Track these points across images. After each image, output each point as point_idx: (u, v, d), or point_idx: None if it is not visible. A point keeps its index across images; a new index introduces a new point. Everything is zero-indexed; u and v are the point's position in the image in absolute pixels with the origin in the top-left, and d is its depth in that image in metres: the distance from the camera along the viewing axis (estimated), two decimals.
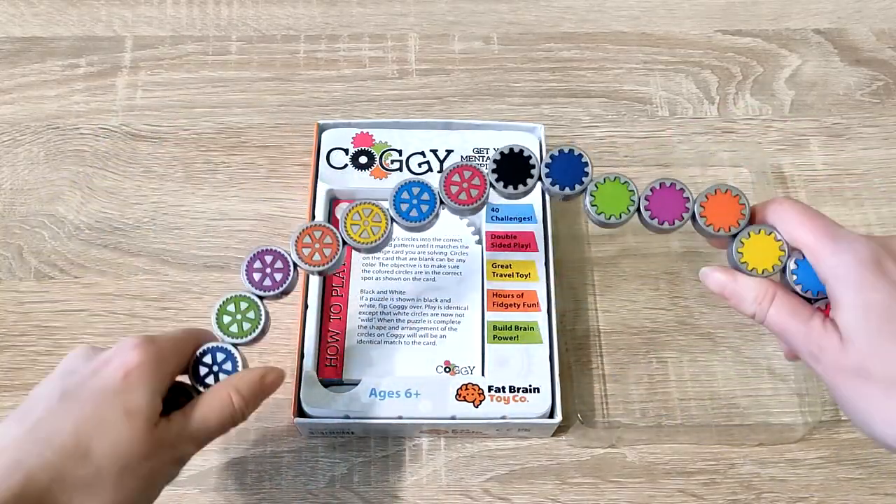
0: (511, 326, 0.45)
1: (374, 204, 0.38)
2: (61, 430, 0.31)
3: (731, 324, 0.49)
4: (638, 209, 0.36)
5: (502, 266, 0.46)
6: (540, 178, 0.37)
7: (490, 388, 0.43)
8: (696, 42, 0.60)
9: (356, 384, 0.43)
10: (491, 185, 0.37)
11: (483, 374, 0.44)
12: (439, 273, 0.47)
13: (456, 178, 0.37)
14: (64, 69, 0.57)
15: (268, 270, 0.37)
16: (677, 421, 0.46)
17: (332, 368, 0.44)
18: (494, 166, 0.37)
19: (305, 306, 0.45)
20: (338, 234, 0.37)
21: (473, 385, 0.43)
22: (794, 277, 0.34)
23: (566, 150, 0.37)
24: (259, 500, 0.44)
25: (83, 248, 0.51)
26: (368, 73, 0.58)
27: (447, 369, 0.44)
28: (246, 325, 0.37)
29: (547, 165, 0.37)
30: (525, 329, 0.45)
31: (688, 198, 0.36)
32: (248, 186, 0.53)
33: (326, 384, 0.43)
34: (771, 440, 0.45)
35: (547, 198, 0.48)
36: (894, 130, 0.56)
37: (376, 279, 0.47)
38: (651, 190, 0.36)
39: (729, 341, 0.48)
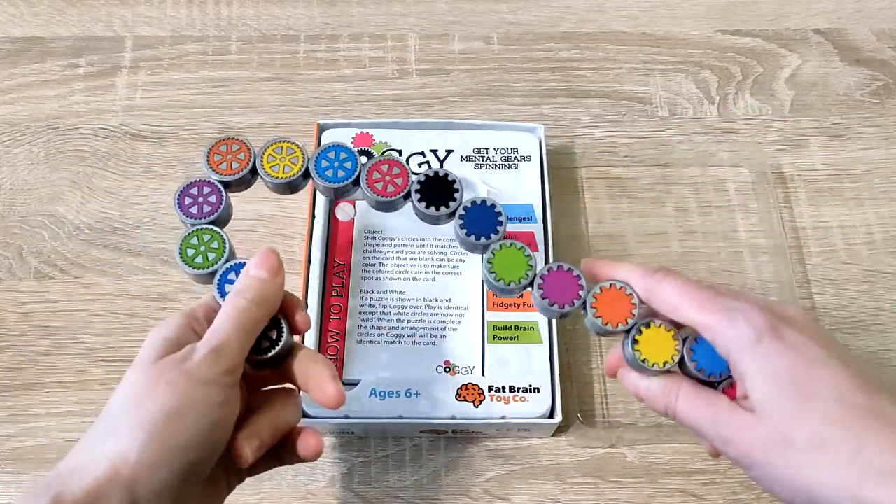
0: (511, 326, 0.45)
1: (298, 147, 0.38)
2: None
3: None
4: (531, 283, 0.36)
5: None
6: (454, 213, 0.37)
7: (490, 388, 0.43)
8: (696, 42, 0.60)
9: (356, 384, 0.43)
10: (409, 192, 0.37)
11: (483, 374, 0.44)
12: (439, 273, 0.47)
13: (384, 167, 0.38)
14: (64, 69, 0.57)
15: (200, 199, 0.37)
16: None
17: None
18: (423, 178, 0.38)
19: (305, 306, 0.45)
20: (252, 154, 0.38)
21: (473, 385, 0.43)
22: (695, 364, 0.34)
23: (488, 203, 0.37)
24: (259, 500, 0.44)
25: (83, 248, 0.51)
26: (368, 73, 0.58)
27: (447, 369, 0.44)
28: (211, 255, 0.37)
29: (464, 208, 0.37)
30: (525, 329, 0.45)
31: (582, 286, 0.36)
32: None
33: None
34: None
35: (547, 197, 0.48)
36: (894, 130, 0.56)
37: (376, 279, 0.47)
38: (548, 270, 0.36)
39: None
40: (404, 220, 0.48)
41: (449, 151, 0.49)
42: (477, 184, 0.48)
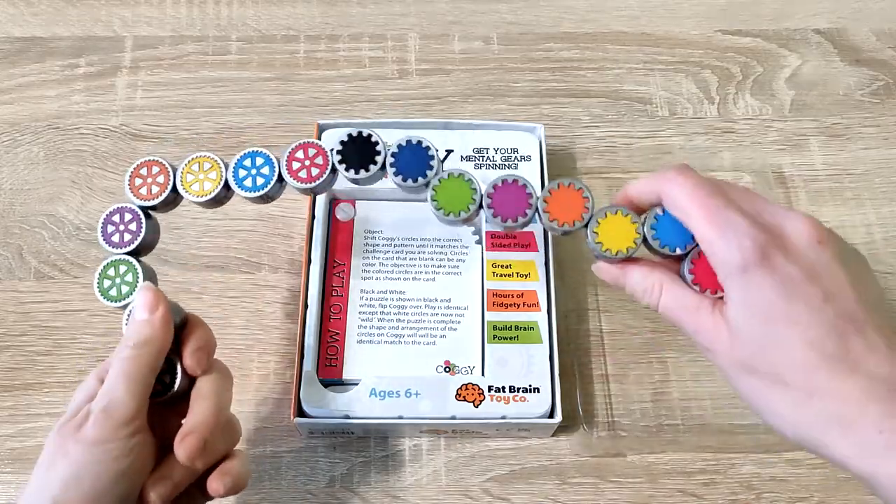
0: (511, 326, 0.45)
1: (215, 161, 0.38)
2: None
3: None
4: (480, 206, 0.36)
5: (502, 266, 0.46)
6: (384, 166, 0.37)
7: (490, 388, 0.43)
8: (696, 42, 0.60)
9: (356, 384, 0.43)
10: (333, 166, 0.37)
11: (483, 374, 0.44)
12: (439, 273, 0.47)
13: (300, 154, 0.37)
14: (64, 69, 0.57)
15: (121, 227, 0.37)
16: (678, 421, 0.46)
17: (332, 368, 0.44)
18: (340, 147, 0.37)
19: (305, 306, 0.45)
20: (171, 176, 0.37)
21: (473, 385, 0.43)
22: (658, 242, 0.34)
23: (414, 141, 0.37)
24: (259, 500, 0.44)
25: (83, 248, 0.51)
26: (368, 73, 0.58)
27: (447, 369, 0.44)
28: (124, 289, 0.36)
29: (393, 155, 0.37)
30: (525, 329, 0.45)
31: (531, 194, 0.36)
32: None
33: (326, 384, 0.43)
34: (777, 447, 0.45)
35: None
36: (894, 130, 0.56)
37: (376, 279, 0.47)
38: (493, 187, 0.36)
39: None
40: (404, 220, 0.48)
41: (449, 151, 0.49)
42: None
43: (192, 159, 0.37)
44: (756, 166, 0.53)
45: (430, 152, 0.36)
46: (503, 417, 0.43)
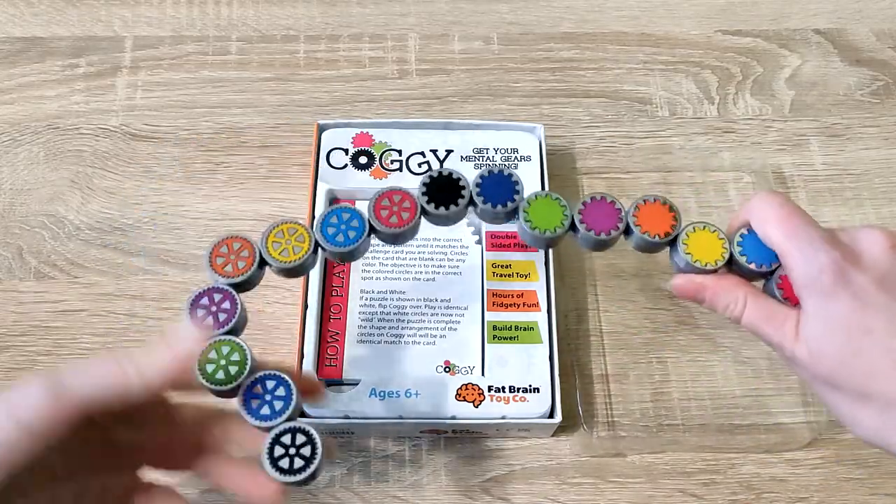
0: (511, 326, 0.45)
1: (300, 224, 0.37)
2: None
3: (732, 324, 0.48)
4: (572, 223, 0.37)
5: (502, 266, 0.46)
6: (472, 200, 0.37)
7: (490, 388, 0.43)
8: (696, 42, 0.60)
9: (356, 384, 0.43)
10: (422, 207, 0.37)
11: (483, 374, 0.44)
12: (439, 273, 0.47)
13: (385, 202, 0.37)
14: (64, 69, 0.57)
15: (213, 309, 0.35)
16: (678, 421, 0.46)
17: (332, 368, 0.44)
18: (424, 189, 0.37)
19: (305, 306, 0.45)
20: (256, 248, 0.36)
21: (473, 385, 0.43)
22: (745, 258, 0.35)
23: (496, 171, 0.37)
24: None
25: (83, 248, 0.51)
26: (368, 73, 0.58)
27: (447, 369, 0.44)
28: (233, 369, 0.33)
29: (477, 185, 0.37)
30: (525, 329, 0.45)
31: (620, 209, 0.37)
32: (248, 186, 0.53)
33: (326, 384, 0.43)
34: (777, 448, 0.45)
35: None
36: (894, 130, 0.56)
37: (376, 279, 0.47)
38: (583, 204, 0.37)
39: (729, 341, 0.48)
40: None
41: (449, 151, 0.49)
42: None
43: (275, 227, 0.37)
44: (756, 166, 0.53)
45: (513, 178, 0.37)
46: (503, 417, 0.43)
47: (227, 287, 0.35)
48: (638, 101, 0.57)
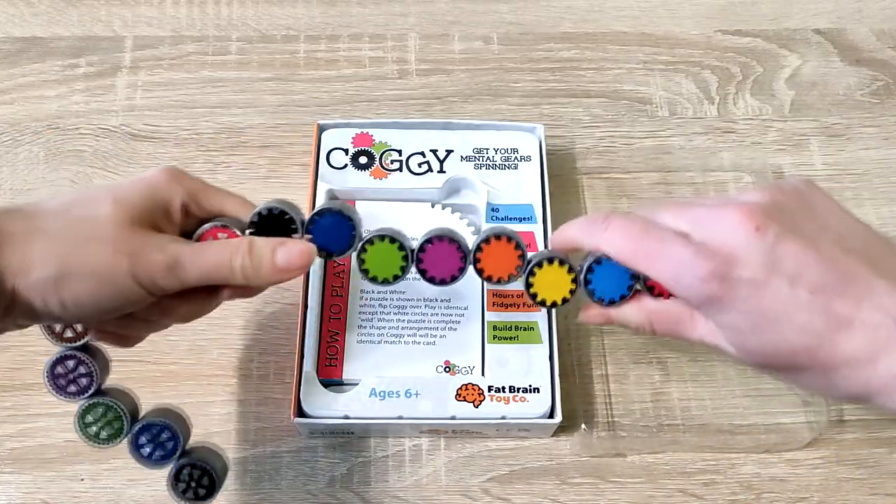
0: (511, 326, 0.45)
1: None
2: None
3: None
4: (411, 265, 0.36)
5: None
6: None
7: (490, 388, 0.43)
8: (696, 42, 0.60)
9: (356, 384, 0.43)
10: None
11: (483, 374, 0.44)
12: None
13: (209, 239, 0.35)
14: (64, 69, 0.57)
15: (70, 376, 0.35)
16: (678, 421, 0.46)
17: (332, 368, 0.44)
18: (252, 226, 0.35)
19: (305, 306, 0.45)
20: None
21: (473, 385, 0.43)
22: (592, 292, 0.35)
23: (334, 210, 0.35)
24: (259, 500, 0.44)
25: None
26: (368, 73, 0.58)
27: (447, 369, 0.44)
28: (116, 425, 0.35)
29: (309, 224, 0.35)
30: (525, 329, 0.45)
31: (463, 251, 0.36)
32: (248, 186, 0.53)
33: (326, 384, 0.43)
34: (777, 448, 0.45)
35: (547, 198, 0.48)
36: (894, 130, 0.56)
37: None
38: (423, 248, 0.36)
39: None
40: (404, 220, 0.48)
41: (449, 151, 0.49)
42: (477, 184, 0.48)
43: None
44: (756, 166, 0.53)
45: (350, 221, 0.35)
46: (503, 417, 0.43)
47: (76, 353, 0.35)
48: (638, 101, 0.57)
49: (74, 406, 0.35)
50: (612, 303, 0.35)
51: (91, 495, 0.44)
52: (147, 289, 0.31)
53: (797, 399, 0.46)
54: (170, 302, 0.33)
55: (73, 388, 0.35)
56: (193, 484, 0.36)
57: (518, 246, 0.35)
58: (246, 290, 0.35)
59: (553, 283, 0.35)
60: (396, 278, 0.36)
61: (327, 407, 0.42)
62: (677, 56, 0.59)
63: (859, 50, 0.59)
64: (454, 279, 0.36)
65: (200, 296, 0.34)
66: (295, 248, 0.33)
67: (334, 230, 0.35)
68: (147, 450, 0.36)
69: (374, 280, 0.36)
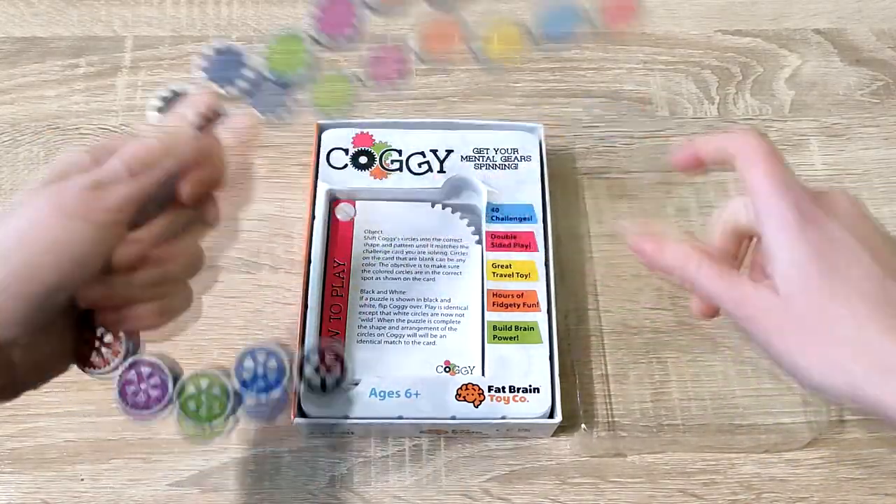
0: (511, 326, 0.45)
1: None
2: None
3: (732, 324, 0.48)
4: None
5: (502, 266, 0.46)
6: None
7: (490, 388, 0.43)
8: (696, 42, 0.60)
9: (356, 384, 0.43)
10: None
11: (483, 374, 0.44)
12: (439, 273, 0.47)
13: None
14: (64, 69, 0.57)
15: (142, 385, 0.33)
16: (678, 421, 0.46)
17: None
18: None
19: (305, 306, 0.45)
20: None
21: (473, 385, 0.43)
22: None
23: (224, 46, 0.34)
24: (259, 500, 0.44)
25: None
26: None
27: (447, 369, 0.44)
28: (215, 406, 0.33)
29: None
30: (525, 329, 0.45)
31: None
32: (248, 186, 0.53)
33: None
34: (777, 448, 0.45)
35: (547, 198, 0.48)
36: (894, 130, 0.56)
37: (376, 279, 0.47)
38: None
39: (729, 341, 0.48)
40: (404, 220, 0.48)
41: (449, 151, 0.49)
42: (477, 184, 0.48)
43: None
44: None
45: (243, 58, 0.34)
46: (503, 417, 0.43)
47: (155, 360, 0.33)
48: (638, 101, 0.57)
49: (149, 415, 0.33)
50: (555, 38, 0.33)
51: (91, 495, 0.44)
52: (101, 208, 0.29)
53: (797, 399, 0.46)
54: (138, 231, 0.31)
55: (155, 394, 0.33)
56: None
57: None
58: (199, 173, 0.33)
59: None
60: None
61: (327, 407, 0.42)
62: (677, 56, 0.59)
63: (859, 50, 0.59)
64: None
65: (167, 208, 0.32)
66: (200, 100, 0.33)
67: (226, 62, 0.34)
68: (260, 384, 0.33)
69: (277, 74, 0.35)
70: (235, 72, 0.34)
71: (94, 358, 0.33)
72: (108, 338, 0.33)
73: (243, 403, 0.33)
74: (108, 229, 0.30)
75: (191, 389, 0.33)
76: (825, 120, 0.56)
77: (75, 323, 0.32)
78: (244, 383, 0.33)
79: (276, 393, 0.33)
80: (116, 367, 0.33)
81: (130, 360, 0.33)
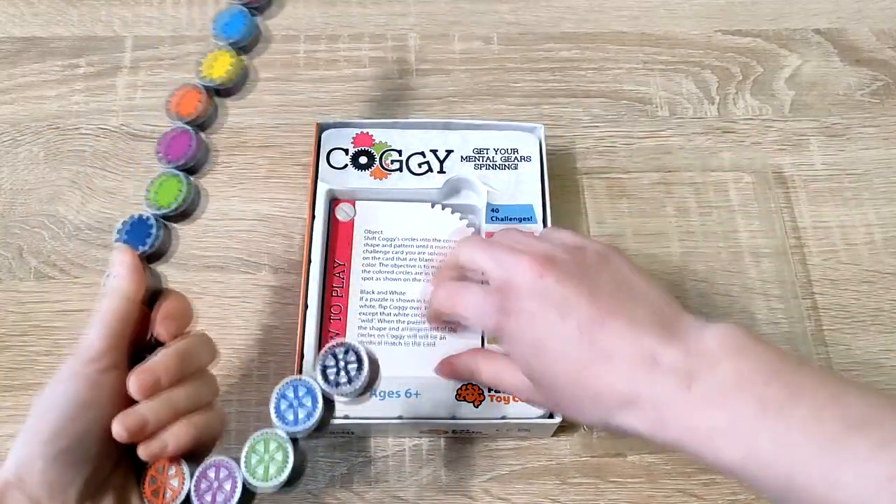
0: None
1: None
2: None
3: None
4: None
5: None
6: None
7: (490, 389, 0.43)
8: (696, 42, 0.60)
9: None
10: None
11: None
12: None
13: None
14: (64, 69, 0.57)
15: (215, 484, 0.34)
16: None
17: None
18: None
19: (305, 306, 0.45)
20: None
21: (473, 385, 0.43)
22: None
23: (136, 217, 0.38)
24: (258, 500, 0.44)
25: (83, 248, 0.51)
26: (368, 73, 0.58)
27: None
28: (275, 465, 0.34)
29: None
30: None
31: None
32: (248, 186, 0.53)
33: None
34: None
35: (547, 198, 0.48)
36: (894, 130, 0.56)
37: (376, 280, 0.47)
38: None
39: None
40: (404, 220, 0.48)
41: (449, 151, 0.49)
42: (477, 184, 0.48)
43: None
44: (756, 166, 0.53)
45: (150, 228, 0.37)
46: (503, 417, 0.43)
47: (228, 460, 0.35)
48: (638, 101, 0.57)
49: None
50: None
51: None
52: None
53: None
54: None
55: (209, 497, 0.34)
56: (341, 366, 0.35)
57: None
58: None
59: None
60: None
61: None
62: (677, 56, 0.59)
63: (859, 50, 0.60)
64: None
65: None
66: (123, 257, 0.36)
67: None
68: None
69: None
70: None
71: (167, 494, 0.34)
72: (172, 470, 0.34)
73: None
74: (104, 376, 0.34)
75: (254, 459, 0.35)
76: (825, 120, 0.56)
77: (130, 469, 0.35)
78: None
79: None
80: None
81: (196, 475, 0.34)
